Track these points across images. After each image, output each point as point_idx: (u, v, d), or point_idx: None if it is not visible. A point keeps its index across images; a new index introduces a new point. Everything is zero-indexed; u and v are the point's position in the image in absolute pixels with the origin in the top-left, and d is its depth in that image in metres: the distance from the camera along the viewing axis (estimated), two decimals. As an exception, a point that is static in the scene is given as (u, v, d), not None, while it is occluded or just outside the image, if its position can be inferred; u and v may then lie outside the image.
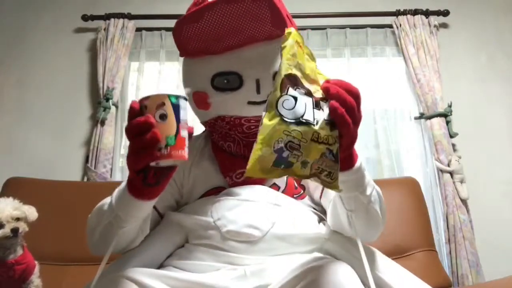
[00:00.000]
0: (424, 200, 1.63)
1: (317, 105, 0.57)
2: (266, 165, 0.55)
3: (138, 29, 2.21)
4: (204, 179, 0.86)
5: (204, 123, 0.91)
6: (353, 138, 0.59)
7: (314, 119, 0.55)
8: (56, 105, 2.16)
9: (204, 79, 0.83)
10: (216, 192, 0.83)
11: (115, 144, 2.04)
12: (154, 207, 0.82)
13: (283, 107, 0.55)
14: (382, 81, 2.17)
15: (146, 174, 0.62)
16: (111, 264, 0.78)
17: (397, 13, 2.21)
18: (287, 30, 0.61)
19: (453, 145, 2.06)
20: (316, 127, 0.55)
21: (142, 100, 0.60)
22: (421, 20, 2.19)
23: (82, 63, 2.23)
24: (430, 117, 2.03)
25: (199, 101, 0.85)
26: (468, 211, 1.92)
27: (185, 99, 0.62)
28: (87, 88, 2.20)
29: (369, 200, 0.69)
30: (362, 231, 0.72)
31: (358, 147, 0.64)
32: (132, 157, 0.60)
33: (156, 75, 2.17)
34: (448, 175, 1.95)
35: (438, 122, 2.02)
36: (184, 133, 0.60)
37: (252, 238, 0.72)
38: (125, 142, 2.10)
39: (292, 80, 0.57)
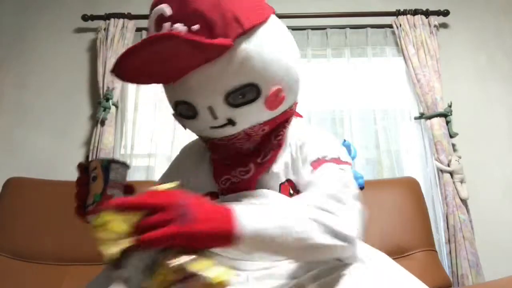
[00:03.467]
0: (424, 200, 1.64)
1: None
2: None
3: (138, 29, 2.21)
4: (201, 184, 0.85)
5: None
6: (186, 236, 0.52)
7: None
8: (56, 105, 2.16)
9: (171, 105, 0.81)
10: (212, 196, 0.82)
11: (115, 144, 2.04)
12: None
13: None
14: (382, 81, 2.17)
15: None
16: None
17: (397, 13, 2.21)
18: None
19: (453, 145, 2.05)
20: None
21: (89, 162, 0.73)
22: (421, 20, 2.19)
23: (82, 63, 2.23)
24: (430, 117, 2.03)
25: (179, 122, 0.84)
26: (468, 211, 1.92)
27: (120, 163, 0.72)
28: (87, 88, 2.19)
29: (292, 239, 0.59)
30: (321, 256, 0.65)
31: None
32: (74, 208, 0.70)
33: (156, 75, 2.17)
34: (448, 175, 1.95)
35: (438, 122, 2.02)
36: (111, 192, 0.70)
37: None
38: (125, 142, 2.10)
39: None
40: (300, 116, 0.92)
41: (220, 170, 0.82)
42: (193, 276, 0.50)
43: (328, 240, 0.61)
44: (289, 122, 0.84)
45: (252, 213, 0.58)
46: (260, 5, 0.75)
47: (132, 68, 0.70)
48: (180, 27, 0.67)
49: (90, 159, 1.97)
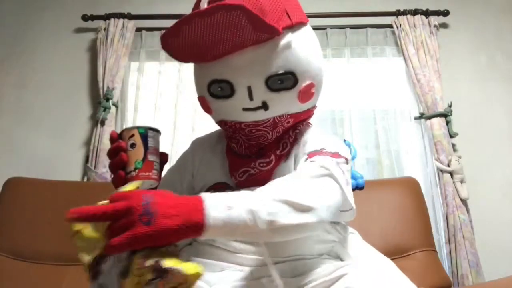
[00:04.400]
0: (424, 200, 1.63)
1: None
2: None
3: (138, 29, 2.21)
4: (210, 175, 0.88)
5: (216, 124, 0.92)
6: (150, 236, 0.52)
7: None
8: (56, 105, 2.16)
9: (202, 85, 0.83)
10: (219, 187, 0.84)
11: (115, 144, 2.04)
12: None
13: None
14: (382, 81, 2.17)
15: None
16: None
17: (397, 13, 2.21)
18: None
19: (453, 145, 2.05)
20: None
21: (120, 132, 0.72)
22: (421, 20, 2.19)
23: (82, 63, 2.23)
24: (430, 117, 2.03)
25: (202, 106, 0.86)
26: (468, 211, 1.92)
27: (155, 130, 0.72)
28: (87, 88, 2.20)
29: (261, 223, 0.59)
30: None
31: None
32: (112, 177, 0.70)
33: (156, 75, 2.17)
34: (448, 175, 1.95)
35: (438, 122, 2.02)
36: (151, 158, 0.70)
37: (255, 240, 0.71)
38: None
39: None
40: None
41: (238, 163, 0.84)
42: (168, 272, 0.52)
43: (295, 217, 0.61)
44: (307, 121, 0.90)
45: (221, 200, 0.57)
46: (302, 10, 0.85)
47: (184, 39, 0.73)
48: None
49: (90, 158, 1.97)
